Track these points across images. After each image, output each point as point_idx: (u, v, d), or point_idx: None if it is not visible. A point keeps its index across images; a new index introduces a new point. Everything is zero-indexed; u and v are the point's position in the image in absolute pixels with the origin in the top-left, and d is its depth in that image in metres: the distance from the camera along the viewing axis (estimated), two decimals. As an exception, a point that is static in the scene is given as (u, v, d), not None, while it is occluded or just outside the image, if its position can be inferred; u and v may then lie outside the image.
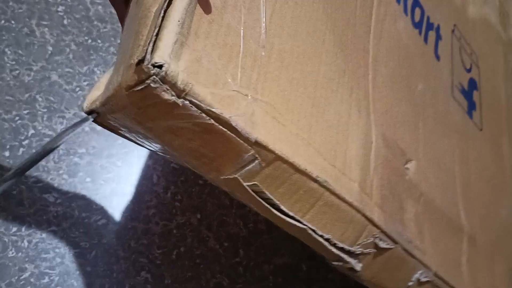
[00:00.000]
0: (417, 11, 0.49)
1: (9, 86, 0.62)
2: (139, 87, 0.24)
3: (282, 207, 0.30)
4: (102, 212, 0.57)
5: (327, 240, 0.32)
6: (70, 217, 0.56)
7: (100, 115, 0.31)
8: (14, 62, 0.63)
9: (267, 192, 0.30)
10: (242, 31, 0.28)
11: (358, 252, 0.34)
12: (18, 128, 0.60)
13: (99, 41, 0.67)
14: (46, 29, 0.67)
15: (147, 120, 0.27)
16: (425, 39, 0.49)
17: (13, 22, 0.66)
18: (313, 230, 0.32)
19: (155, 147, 0.32)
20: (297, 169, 0.29)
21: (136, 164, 0.60)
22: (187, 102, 0.24)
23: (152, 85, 0.23)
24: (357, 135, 0.36)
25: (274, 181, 0.29)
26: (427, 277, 0.39)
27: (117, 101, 0.27)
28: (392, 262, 0.37)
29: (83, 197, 0.57)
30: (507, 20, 0.66)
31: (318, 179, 0.30)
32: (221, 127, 0.26)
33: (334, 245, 0.33)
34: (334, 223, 0.32)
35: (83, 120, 0.32)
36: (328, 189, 0.31)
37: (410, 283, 0.39)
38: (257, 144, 0.27)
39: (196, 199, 0.59)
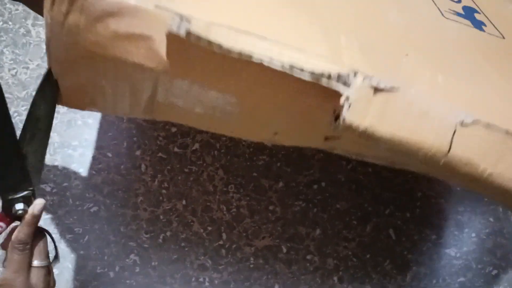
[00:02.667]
0: None
1: (8, 84, 0.66)
2: None
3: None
4: (94, 200, 0.61)
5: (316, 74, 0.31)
6: (64, 205, 0.61)
7: (58, 79, 0.34)
8: (12, 62, 0.68)
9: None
10: None
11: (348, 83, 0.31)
12: (16, 123, 0.64)
13: (91, 38, 0.71)
14: (41, 28, 0.71)
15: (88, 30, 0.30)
16: None
17: (10, 23, 0.70)
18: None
19: (117, 76, 0.34)
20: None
21: (125, 154, 0.64)
22: None
23: None
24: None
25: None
26: (468, 117, 0.34)
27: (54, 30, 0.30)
28: (408, 109, 0.33)
29: (76, 187, 0.62)
30: None
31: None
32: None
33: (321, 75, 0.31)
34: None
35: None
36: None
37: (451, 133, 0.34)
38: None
39: (182, 186, 0.63)
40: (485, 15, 0.54)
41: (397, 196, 0.65)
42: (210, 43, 0.29)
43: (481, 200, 0.68)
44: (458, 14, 0.52)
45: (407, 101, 0.33)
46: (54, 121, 0.65)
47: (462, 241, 0.65)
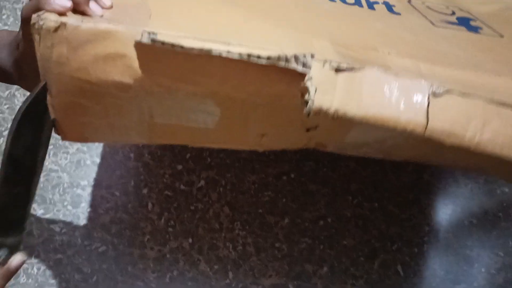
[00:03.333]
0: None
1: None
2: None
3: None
4: (102, 239, 0.62)
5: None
6: (74, 245, 0.62)
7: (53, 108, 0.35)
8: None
9: None
10: None
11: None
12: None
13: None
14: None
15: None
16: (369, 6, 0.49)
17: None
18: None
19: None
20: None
21: (133, 193, 0.65)
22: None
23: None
24: None
25: None
26: (440, 87, 0.34)
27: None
28: (376, 85, 0.33)
29: (85, 226, 0.63)
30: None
31: None
32: None
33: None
34: None
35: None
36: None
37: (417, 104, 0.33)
38: None
39: (188, 224, 0.64)
40: (481, 21, 0.53)
41: (404, 231, 0.65)
42: (173, 45, 0.31)
43: (490, 234, 0.67)
44: (451, 23, 0.51)
45: (373, 78, 0.33)
46: (64, 161, 0.67)
47: (472, 277, 0.64)
